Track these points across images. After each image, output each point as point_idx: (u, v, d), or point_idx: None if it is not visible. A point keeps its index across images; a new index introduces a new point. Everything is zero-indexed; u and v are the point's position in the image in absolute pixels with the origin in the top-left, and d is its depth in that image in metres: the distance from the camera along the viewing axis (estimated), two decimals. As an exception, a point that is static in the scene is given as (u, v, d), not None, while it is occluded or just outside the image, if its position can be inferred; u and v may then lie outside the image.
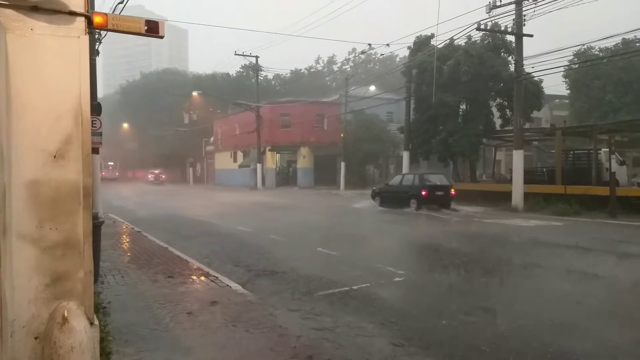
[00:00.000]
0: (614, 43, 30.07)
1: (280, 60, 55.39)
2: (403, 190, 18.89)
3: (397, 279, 7.08)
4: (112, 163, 60.86)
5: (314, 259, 8.38)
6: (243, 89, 52.22)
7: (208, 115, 49.48)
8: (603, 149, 19.64)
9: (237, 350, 4.23)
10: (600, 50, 32.05)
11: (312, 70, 62.11)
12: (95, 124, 9.85)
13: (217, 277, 6.91)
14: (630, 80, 31.17)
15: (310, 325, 4.88)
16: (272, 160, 40.96)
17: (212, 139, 53.05)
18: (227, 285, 6.51)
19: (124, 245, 10.08)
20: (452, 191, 18.74)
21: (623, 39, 27.88)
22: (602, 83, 32.07)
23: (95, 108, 10.10)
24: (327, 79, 63.21)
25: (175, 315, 5.14)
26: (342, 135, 35.09)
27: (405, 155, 24.02)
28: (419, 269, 8.03)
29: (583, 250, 9.75)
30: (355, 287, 6.43)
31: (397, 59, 50.93)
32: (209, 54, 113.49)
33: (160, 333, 4.62)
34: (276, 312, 5.35)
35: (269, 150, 40.00)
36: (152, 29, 3.85)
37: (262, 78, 48.42)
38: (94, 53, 11.00)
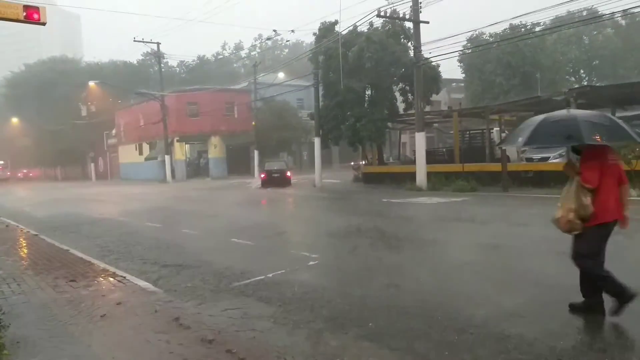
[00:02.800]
0: (503, 28, 32.55)
1: (184, 47, 53.50)
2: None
3: (311, 262, 7.23)
4: (1, 162, 55.54)
5: (228, 251, 8.30)
6: (146, 78, 49.79)
7: (108, 107, 46.42)
8: (495, 128, 21.30)
9: (146, 352, 4.12)
10: (490, 35, 34.54)
11: (219, 57, 60.65)
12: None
13: (124, 277, 6.61)
14: (517, 63, 33.95)
15: (226, 318, 4.86)
16: (181, 151, 39.65)
17: (114, 131, 50.15)
18: (136, 284, 6.26)
19: (19, 251, 9.29)
20: (288, 174, 24.90)
21: (510, 24, 30.15)
22: (493, 67, 34.63)
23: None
24: (235, 65, 62.07)
25: (79, 321, 4.87)
26: (253, 123, 34.77)
27: (317, 142, 24.37)
28: (332, 252, 8.25)
29: (480, 222, 10.60)
30: (270, 275, 6.48)
31: (304, 45, 51.25)
32: (106, 41, 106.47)
33: (63, 342, 4.36)
34: (188, 307, 5.25)
35: (177, 140, 38.64)
36: (32, 14, 3.55)
37: (165, 66, 46.36)
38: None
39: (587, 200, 4.09)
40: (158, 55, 37.49)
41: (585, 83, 34.74)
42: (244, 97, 38.99)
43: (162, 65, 39.11)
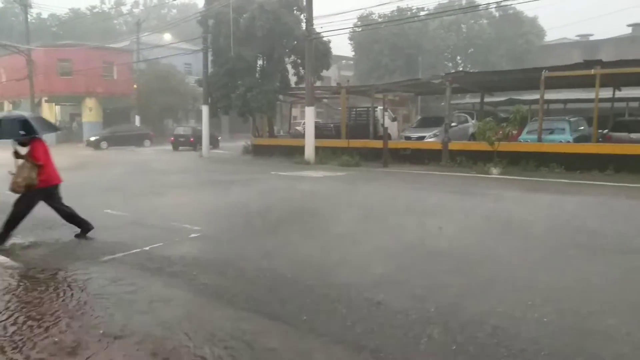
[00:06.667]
0: (391, 10, 33.85)
1: (55, -3, 47.86)
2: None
3: (193, 235, 7.02)
4: None
5: (100, 222, 7.73)
6: (9, 28, 43.95)
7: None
8: (379, 107, 22.26)
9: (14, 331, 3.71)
10: (380, 16, 35.75)
11: (97, 11, 55.30)
12: None
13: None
14: (402, 45, 35.63)
15: (91, 291, 4.54)
16: (51, 113, 35.83)
17: (-33, 86, 43.72)
18: (-11, 259, 5.60)
19: None
20: (192, 139, 28.06)
21: (398, 6, 31.48)
22: (380, 47, 35.96)
23: None
24: (115, 22, 57.10)
25: None
26: (134, 86, 32.51)
27: (205, 110, 23.50)
28: (216, 224, 8.08)
29: (358, 194, 11.11)
30: (147, 248, 6.18)
31: (195, 6, 48.69)
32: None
33: None
34: (50, 282, 4.82)
35: (46, 101, 34.87)
36: None
37: (33, 16, 41.22)
38: None
39: (34, 174, 6.07)
40: (24, 4, 33.13)
41: (461, 69, 37.59)
42: (124, 57, 36.14)
43: (29, 15, 34.67)
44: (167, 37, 35.84)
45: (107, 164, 19.93)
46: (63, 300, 4.39)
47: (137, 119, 32.39)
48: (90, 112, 35.93)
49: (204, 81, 23.26)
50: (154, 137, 32.50)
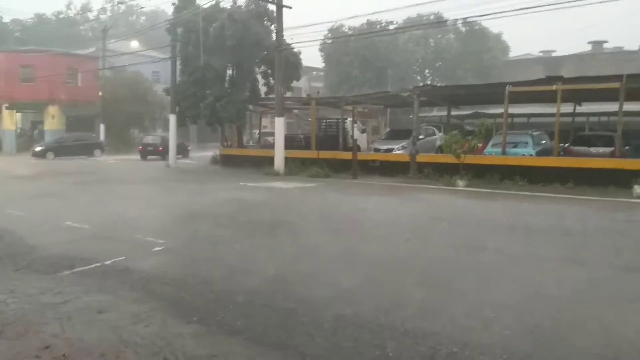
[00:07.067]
0: (361, 23, 34.29)
1: (20, 1, 46.58)
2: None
3: (157, 248, 6.85)
4: None
5: (61, 235, 7.47)
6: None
7: None
8: (349, 119, 22.39)
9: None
10: (350, 28, 36.16)
11: (62, 16, 54.02)
12: None
13: None
14: (372, 58, 36.10)
15: (48, 305, 4.34)
16: (11, 120, 34.60)
17: None
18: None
19: None
20: (160, 148, 27.23)
21: (368, 20, 31.91)
22: (351, 59, 36.32)
23: None
24: (81, 28, 55.84)
25: None
26: (100, 93, 31.76)
27: (172, 119, 23.13)
28: (180, 237, 7.91)
29: (328, 206, 11.10)
30: (108, 262, 5.98)
31: (165, 14, 48.12)
32: None
33: None
34: (7, 299, 4.60)
35: (7, 108, 33.65)
36: None
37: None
38: None
39: None
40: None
41: (429, 82, 38.32)
42: (90, 64, 35.31)
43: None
44: (135, 44, 35.25)
45: (56, 174, 19.31)
46: (14, 313, 4.18)
47: (102, 127, 31.59)
48: (52, 119, 34.83)
49: (172, 90, 22.93)
50: (106, 146, 31.17)
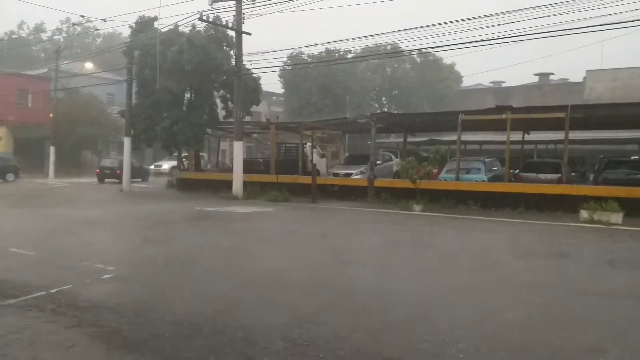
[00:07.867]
0: (320, 51, 34.86)
1: (-33, 19, 44.83)
2: None
3: (106, 275, 6.57)
4: None
5: (4, 263, 7.06)
6: None
7: None
8: (308, 143, 22.54)
9: None
10: (309, 55, 36.70)
11: (14, 36, 52.34)
12: None
13: None
14: (331, 85, 36.68)
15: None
16: (-46, 141, 32.93)
17: None
18: None
19: None
20: (118, 171, 25.57)
21: (326, 48, 32.48)
22: (310, 85, 36.78)
23: None
24: (34, 48, 54.22)
25: None
26: (51, 115, 30.72)
27: (127, 142, 22.56)
28: (131, 264, 7.62)
29: (284, 232, 11.02)
30: (54, 291, 5.68)
31: (121, 37, 47.43)
32: None
33: None
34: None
35: (-51, 128, 32.01)
36: None
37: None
38: None
39: None
40: None
41: (386, 109, 39.20)
42: (42, 84, 34.21)
43: None
44: (89, 65, 34.46)
45: None
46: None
47: (52, 150, 30.45)
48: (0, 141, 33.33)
49: (127, 112, 22.46)
50: (20, 169, 27.78)
